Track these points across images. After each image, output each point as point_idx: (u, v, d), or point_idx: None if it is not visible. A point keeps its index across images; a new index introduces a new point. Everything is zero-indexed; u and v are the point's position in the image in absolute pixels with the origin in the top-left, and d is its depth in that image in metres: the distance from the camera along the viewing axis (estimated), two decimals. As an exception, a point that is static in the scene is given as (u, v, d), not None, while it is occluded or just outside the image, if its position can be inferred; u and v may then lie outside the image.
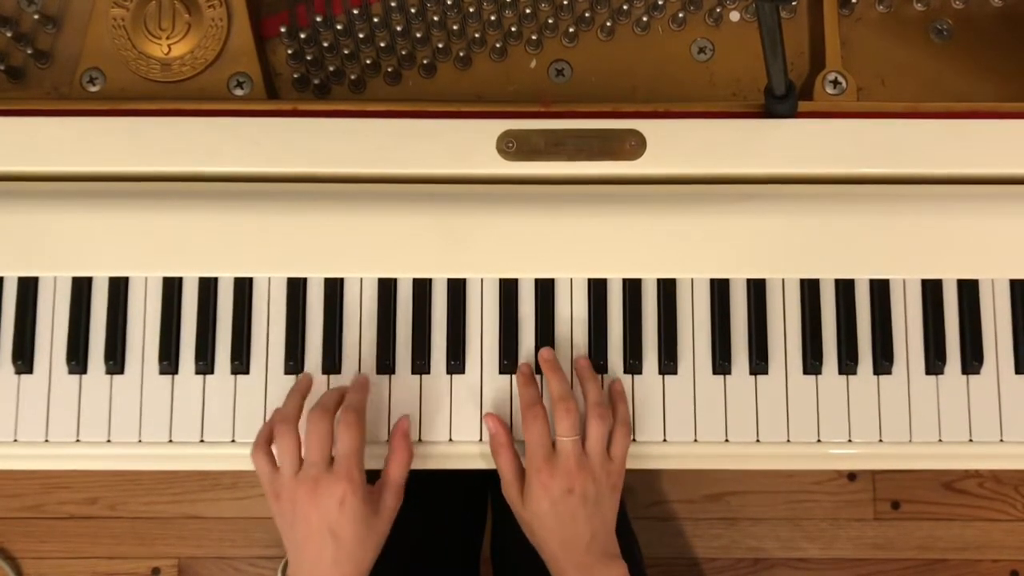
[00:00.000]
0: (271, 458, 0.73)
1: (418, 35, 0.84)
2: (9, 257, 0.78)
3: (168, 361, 0.79)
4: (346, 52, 0.83)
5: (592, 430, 0.74)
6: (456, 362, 0.79)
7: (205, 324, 0.80)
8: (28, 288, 0.80)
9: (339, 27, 0.83)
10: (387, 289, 0.80)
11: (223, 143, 0.78)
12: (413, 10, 0.83)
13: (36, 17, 0.83)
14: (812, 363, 0.80)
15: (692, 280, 0.81)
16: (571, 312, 0.80)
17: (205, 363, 0.79)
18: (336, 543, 0.70)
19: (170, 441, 0.79)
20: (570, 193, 0.78)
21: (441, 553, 1.01)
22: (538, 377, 0.79)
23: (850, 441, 0.79)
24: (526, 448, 0.75)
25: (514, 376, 0.79)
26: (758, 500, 1.54)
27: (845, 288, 0.80)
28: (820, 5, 0.84)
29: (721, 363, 0.79)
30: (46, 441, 0.79)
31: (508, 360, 0.79)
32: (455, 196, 0.78)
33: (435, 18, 0.83)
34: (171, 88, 0.82)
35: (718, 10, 0.85)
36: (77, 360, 0.79)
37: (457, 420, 0.79)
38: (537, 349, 0.79)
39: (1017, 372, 0.80)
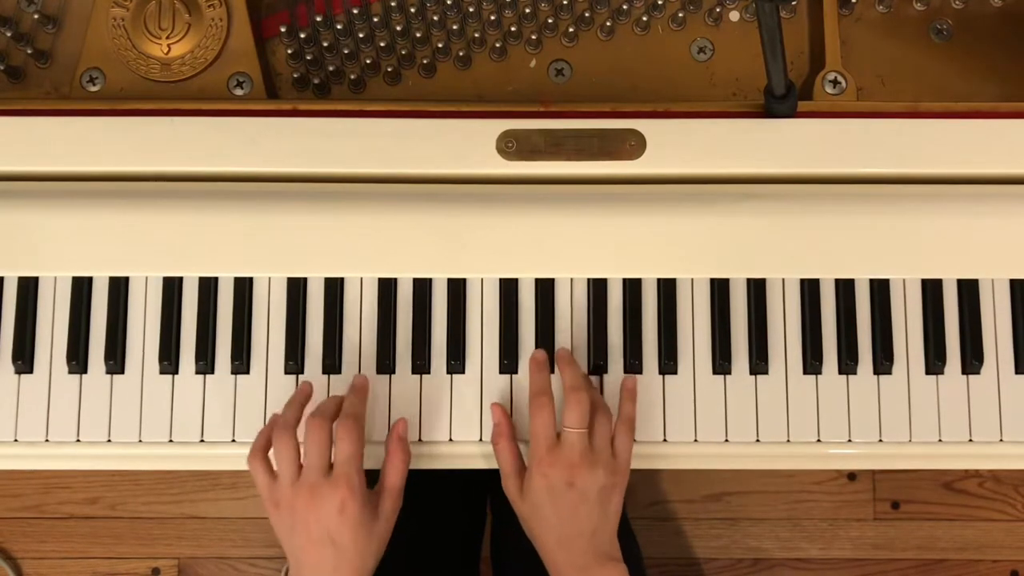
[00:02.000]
0: (268, 466, 0.73)
1: (418, 35, 0.84)
2: (9, 257, 0.78)
3: (168, 361, 0.79)
4: (346, 52, 0.83)
5: (597, 426, 0.74)
6: (456, 362, 0.79)
7: (205, 324, 0.80)
8: (28, 288, 0.80)
9: (339, 27, 0.83)
10: (387, 289, 0.80)
11: (223, 143, 0.78)
12: (413, 10, 0.83)
13: (36, 17, 0.83)
14: (812, 363, 0.80)
15: (692, 280, 0.81)
16: (571, 312, 0.80)
17: (205, 363, 0.79)
18: (336, 550, 0.70)
19: (170, 441, 0.79)
20: (570, 193, 0.78)
21: (440, 554, 1.01)
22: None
23: (850, 441, 0.79)
24: (531, 435, 0.74)
25: (514, 376, 0.79)
26: (758, 500, 1.54)
27: (845, 288, 0.80)
28: (820, 5, 0.84)
29: (721, 363, 0.79)
30: (46, 441, 0.79)
31: (508, 360, 0.79)
32: (455, 196, 0.78)
33: (435, 18, 0.83)
34: (171, 88, 0.82)
35: (718, 10, 0.85)
36: (77, 360, 0.79)
37: (457, 420, 0.79)
38: (537, 349, 0.79)
39: (1017, 372, 0.80)
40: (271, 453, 0.73)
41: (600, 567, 0.72)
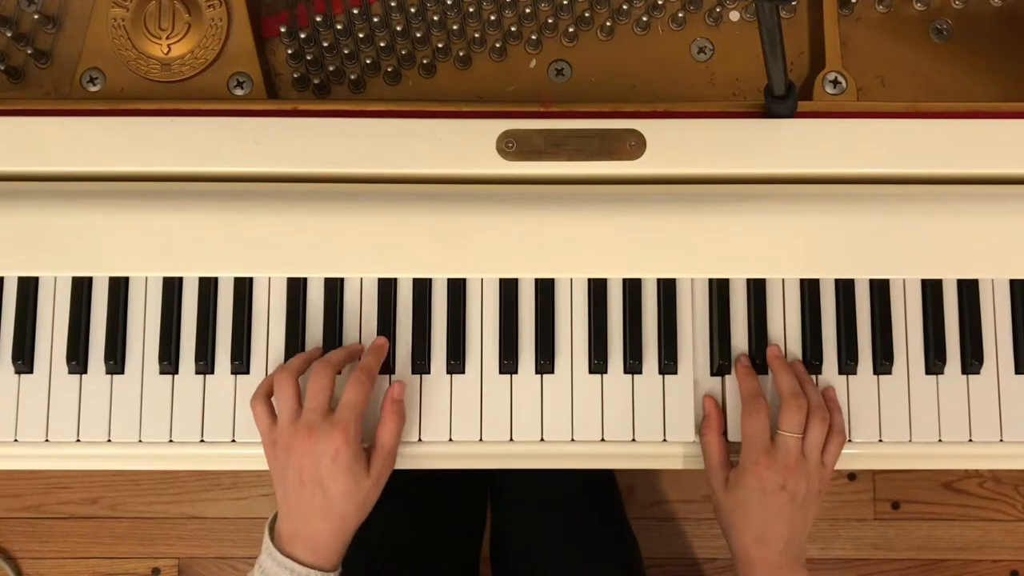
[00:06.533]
0: (270, 409, 0.75)
1: (418, 35, 0.84)
2: (9, 257, 0.78)
3: (168, 361, 0.79)
4: (346, 52, 0.83)
5: (813, 431, 0.75)
6: (456, 362, 0.79)
7: (205, 324, 0.80)
8: (28, 288, 0.80)
9: (339, 27, 0.83)
10: (387, 289, 0.80)
11: (223, 143, 0.78)
12: (413, 10, 0.83)
13: (36, 17, 0.83)
14: (812, 363, 0.80)
15: (692, 280, 0.81)
16: (571, 312, 0.80)
17: (205, 363, 0.79)
18: (325, 494, 0.71)
19: (170, 441, 0.79)
20: (570, 193, 0.78)
21: (440, 553, 1.01)
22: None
23: (850, 441, 0.79)
24: (744, 438, 0.75)
25: (514, 376, 0.79)
26: (758, 500, 1.54)
27: (845, 288, 0.80)
28: (820, 5, 0.84)
29: (721, 363, 0.79)
30: (46, 441, 0.79)
31: (508, 360, 0.79)
32: (455, 196, 0.78)
33: (435, 18, 0.83)
34: (171, 88, 0.82)
35: (718, 10, 0.85)
36: (77, 360, 0.79)
37: (457, 420, 0.79)
38: (538, 349, 0.79)
39: (1017, 372, 0.80)
40: (273, 397, 0.75)
41: (792, 572, 0.74)
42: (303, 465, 0.71)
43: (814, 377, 0.80)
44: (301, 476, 0.71)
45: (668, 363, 0.79)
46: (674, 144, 0.78)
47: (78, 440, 0.79)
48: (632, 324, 0.80)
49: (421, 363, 0.79)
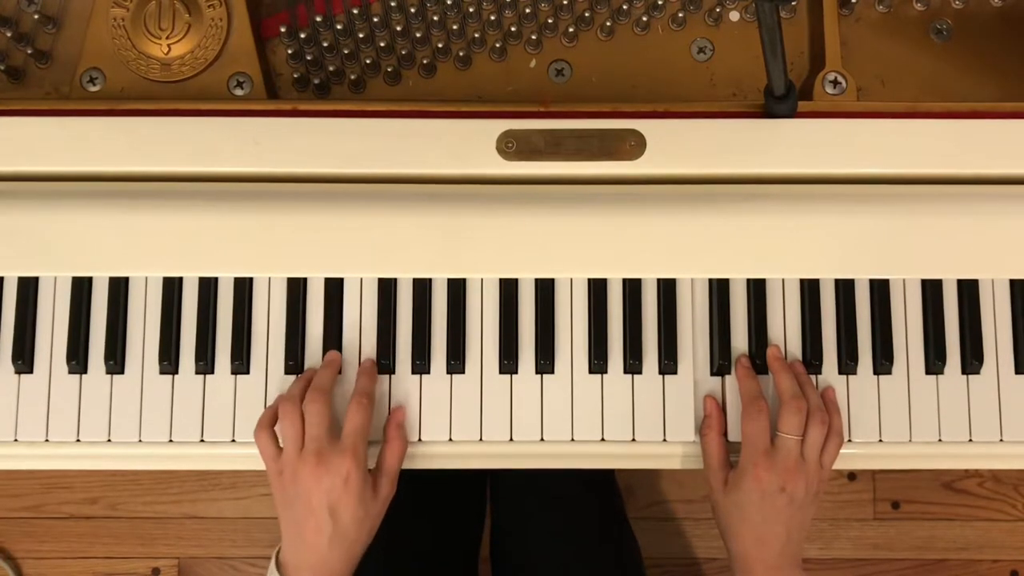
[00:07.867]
0: (274, 439, 0.75)
1: (418, 35, 0.84)
2: (9, 257, 0.77)
3: (168, 361, 0.79)
4: (346, 52, 0.83)
5: (812, 434, 0.75)
6: (456, 362, 0.79)
7: (205, 324, 0.80)
8: (28, 288, 0.80)
9: (339, 27, 0.83)
10: (387, 289, 0.80)
11: (223, 143, 0.78)
12: (413, 10, 0.83)
13: (36, 17, 0.83)
14: (812, 363, 0.80)
15: (692, 280, 0.81)
16: (571, 312, 0.80)
17: (205, 363, 0.79)
18: (335, 522, 0.71)
19: (170, 441, 0.79)
20: (570, 193, 0.78)
21: (440, 553, 1.01)
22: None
23: (850, 441, 0.79)
24: (744, 439, 0.76)
25: (514, 376, 0.79)
26: (758, 500, 1.54)
27: (845, 288, 0.80)
28: (820, 5, 0.84)
29: (721, 363, 0.79)
30: (46, 441, 0.79)
31: (508, 360, 0.79)
32: (455, 196, 0.78)
33: (435, 18, 0.83)
34: (171, 88, 0.82)
35: (718, 10, 0.85)
36: (77, 360, 0.79)
37: (457, 420, 0.79)
38: (538, 349, 0.79)
39: (1017, 372, 0.80)
40: (276, 427, 0.75)
41: (791, 569, 0.74)
42: (312, 494, 0.71)
43: (814, 377, 0.80)
44: (310, 505, 0.71)
45: (668, 363, 0.79)
46: (674, 144, 0.78)
47: (78, 440, 0.79)
48: (632, 324, 0.80)
49: (421, 363, 0.79)
